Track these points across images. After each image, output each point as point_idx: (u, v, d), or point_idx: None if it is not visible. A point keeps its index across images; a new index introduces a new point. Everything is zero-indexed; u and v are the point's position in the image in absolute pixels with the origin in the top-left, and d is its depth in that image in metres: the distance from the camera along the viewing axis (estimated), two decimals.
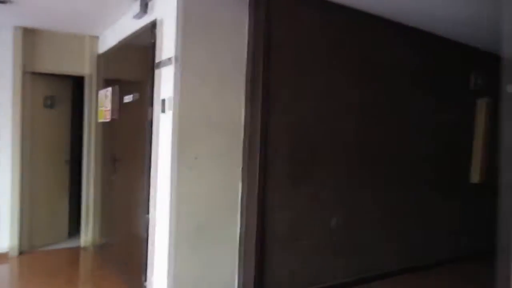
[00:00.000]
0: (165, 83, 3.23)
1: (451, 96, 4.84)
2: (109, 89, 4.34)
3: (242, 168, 3.43)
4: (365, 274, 4.19)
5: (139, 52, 3.84)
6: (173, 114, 3.10)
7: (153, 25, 3.44)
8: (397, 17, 4.09)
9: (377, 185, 4.21)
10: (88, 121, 5.08)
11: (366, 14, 3.94)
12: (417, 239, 4.66)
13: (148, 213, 3.49)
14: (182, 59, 3.07)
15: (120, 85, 4.23)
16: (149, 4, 3.53)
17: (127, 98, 3.98)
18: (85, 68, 5.03)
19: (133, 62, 4.07)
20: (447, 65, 4.75)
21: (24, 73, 4.69)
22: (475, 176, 5.10)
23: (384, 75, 4.19)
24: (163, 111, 3.24)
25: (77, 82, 5.20)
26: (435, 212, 4.79)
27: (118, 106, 4.23)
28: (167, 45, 3.21)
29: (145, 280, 3.54)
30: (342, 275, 4.01)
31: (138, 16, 3.61)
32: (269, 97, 3.37)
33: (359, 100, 4.02)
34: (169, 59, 3.13)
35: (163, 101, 3.21)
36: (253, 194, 3.37)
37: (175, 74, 3.08)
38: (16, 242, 4.72)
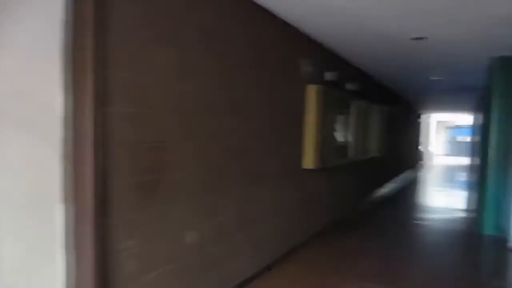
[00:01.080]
0: None
1: (285, 84, 4.56)
2: None
3: (63, 185, 2.26)
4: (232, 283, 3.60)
5: None
6: None
7: None
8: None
9: (233, 185, 3.58)
10: None
11: None
12: (268, 236, 4.27)
13: None
14: None
15: None
16: None
17: None
18: None
19: None
20: (280, 51, 4.43)
21: None
22: (308, 162, 5.03)
23: (235, 62, 3.56)
24: None
25: None
26: (279, 203, 4.50)
27: None
28: None
29: None
30: None
31: None
32: (105, 80, 2.28)
33: (217, 89, 3.29)
34: None
35: None
36: (85, 223, 2.26)
37: None
38: None
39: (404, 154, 13.97)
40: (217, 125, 3.32)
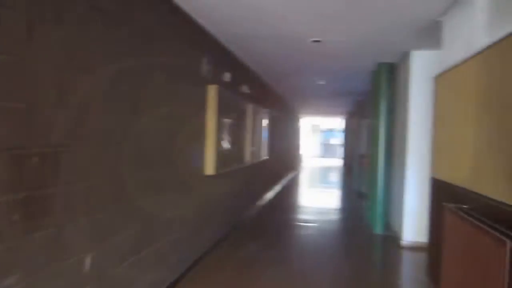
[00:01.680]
0: None
1: (186, 82, 4.19)
2: None
3: None
4: None
5: None
6: None
7: None
8: None
9: (136, 196, 3.09)
10: None
11: None
12: (173, 250, 3.82)
13: None
14: None
15: None
16: None
17: None
18: None
19: None
20: (182, 45, 4.05)
21: None
22: (209, 168, 4.72)
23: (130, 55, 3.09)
24: None
25: None
26: (183, 213, 4.09)
27: None
28: None
29: None
30: None
31: None
32: None
33: (115, 83, 2.80)
34: None
35: None
36: None
37: None
38: None
39: (286, 157, 14.49)
40: (115, 126, 2.81)
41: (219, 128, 4.89)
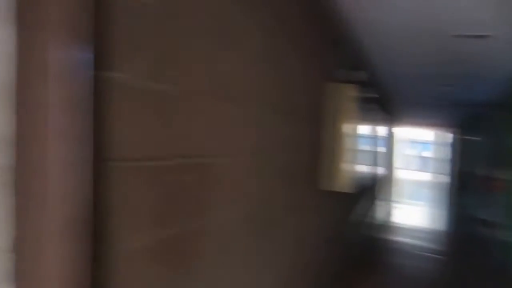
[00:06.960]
0: None
1: (317, 80, 3.37)
2: None
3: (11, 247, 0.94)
4: None
5: None
6: None
7: None
8: None
9: (284, 220, 2.36)
10: None
11: None
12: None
13: None
14: None
15: None
16: None
17: None
18: None
19: None
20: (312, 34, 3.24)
21: None
22: (328, 183, 3.75)
23: None
24: None
25: None
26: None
27: None
28: None
29: None
30: None
31: None
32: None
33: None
34: None
35: None
36: None
37: None
38: None
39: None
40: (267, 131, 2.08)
41: (355, 138, 4.03)
